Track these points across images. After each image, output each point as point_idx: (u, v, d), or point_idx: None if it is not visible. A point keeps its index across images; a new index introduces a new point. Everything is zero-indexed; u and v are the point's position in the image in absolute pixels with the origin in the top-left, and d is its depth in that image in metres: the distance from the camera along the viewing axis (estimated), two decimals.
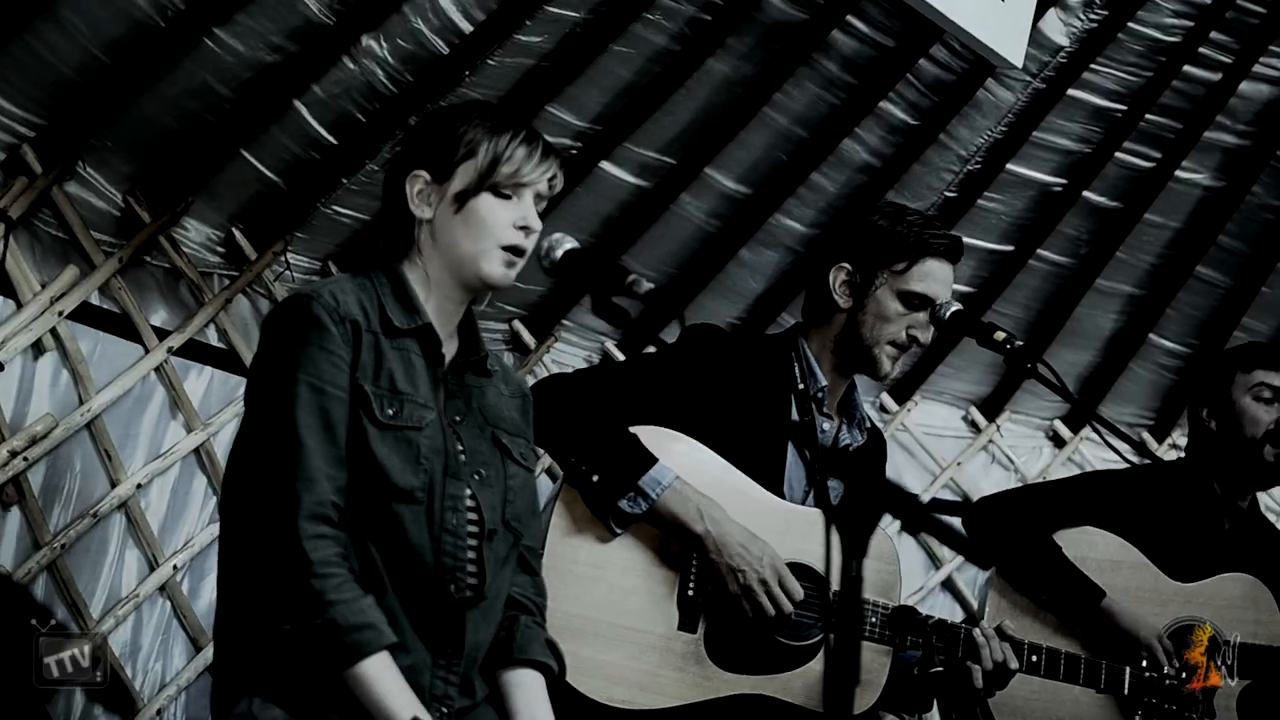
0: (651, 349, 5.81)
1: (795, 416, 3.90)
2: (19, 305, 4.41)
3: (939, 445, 6.81)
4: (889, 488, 2.60)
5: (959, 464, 6.87)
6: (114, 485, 4.66)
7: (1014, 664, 3.77)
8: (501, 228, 2.98)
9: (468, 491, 2.95)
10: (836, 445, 3.99)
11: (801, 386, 3.90)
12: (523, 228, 3.00)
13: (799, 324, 4.05)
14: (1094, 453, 7.11)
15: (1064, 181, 6.26)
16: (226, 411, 4.99)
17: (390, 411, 2.86)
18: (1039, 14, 5.03)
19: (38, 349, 4.48)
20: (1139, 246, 6.59)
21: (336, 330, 2.84)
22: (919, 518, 2.49)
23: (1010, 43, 4.55)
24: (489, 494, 2.99)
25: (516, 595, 3.13)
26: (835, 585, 3.63)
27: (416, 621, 2.87)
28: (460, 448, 2.97)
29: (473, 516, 2.95)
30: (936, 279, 3.88)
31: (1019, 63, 4.62)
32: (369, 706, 2.72)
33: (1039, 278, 6.58)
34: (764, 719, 3.69)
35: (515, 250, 3.00)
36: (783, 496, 3.85)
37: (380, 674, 2.73)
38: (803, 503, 3.89)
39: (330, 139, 4.82)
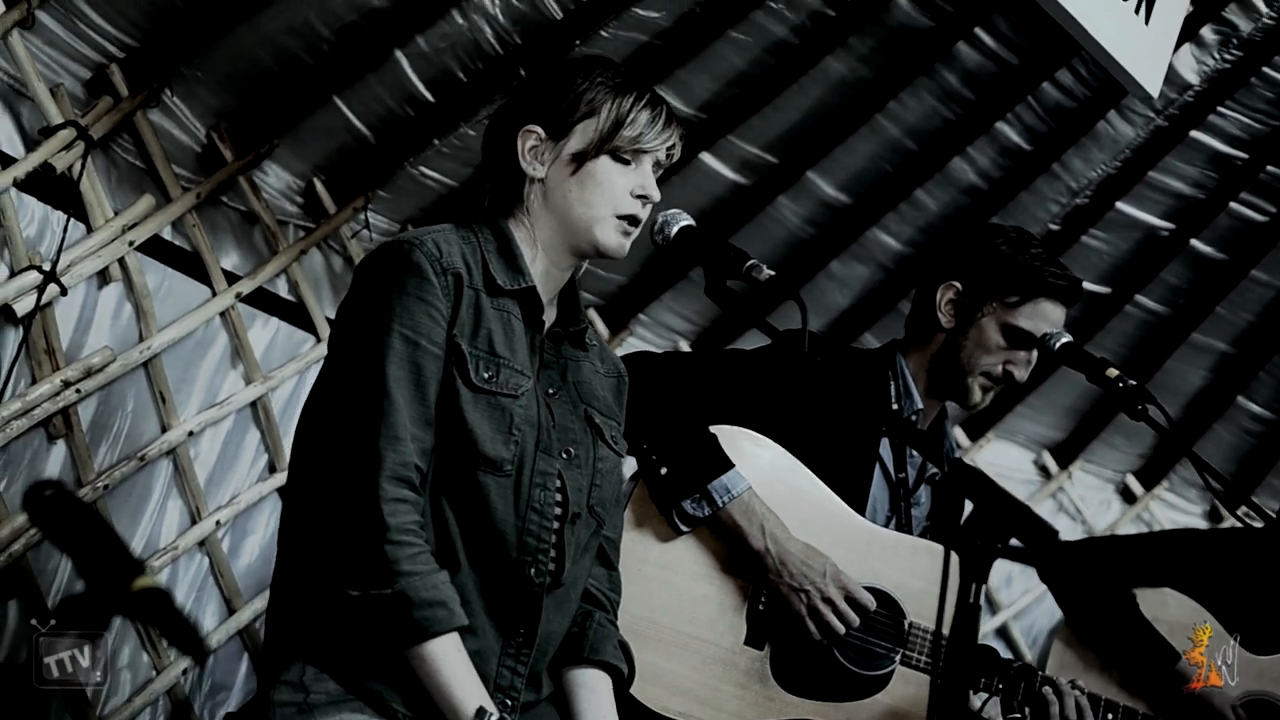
0: (731, 348, 5.64)
1: (890, 460, 3.77)
2: (89, 229, 4.23)
3: (1007, 487, 6.56)
4: (1024, 513, 2.42)
5: None
6: (165, 430, 4.47)
7: None
8: (620, 195, 2.86)
9: (556, 469, 2.76)
10: (924, 472, 3.88)
11: (895, 407, 3.77)
12: (641, 196, 2.88)
13: (898, 340, 3.93)
14: (1164, 513, 7.01)
15: (1172, 226, 6.07)
16: (289, 367, 4.81)
17: (486, 375, 2.70)
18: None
19: (103, 278, 4.30)
20: (1240, 303, 6.41)
21: (438, 281, 2.69)
22: (1049, 549, 2.33)
23: (1149, 71, 4.35)
24: (576, 475, 2.84)
25: (592, 589, 3.01)
26: (913, 615, 3.54)
27: (489, 603, 2.73)
28: (552, 422, 2.79)
29: (557, 497, 2.79)
30: (1048, 320, 3.78)
31: (1155, 93, 4.42)
32: (431, 690, 2.58)
33: (1133, 324, 6.40)
34: None
35: (632, 220, 2.88)
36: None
37: (447, 656, 2.60)
38: (885, 527, 3.75)
39: (428, 95, 4.63)
